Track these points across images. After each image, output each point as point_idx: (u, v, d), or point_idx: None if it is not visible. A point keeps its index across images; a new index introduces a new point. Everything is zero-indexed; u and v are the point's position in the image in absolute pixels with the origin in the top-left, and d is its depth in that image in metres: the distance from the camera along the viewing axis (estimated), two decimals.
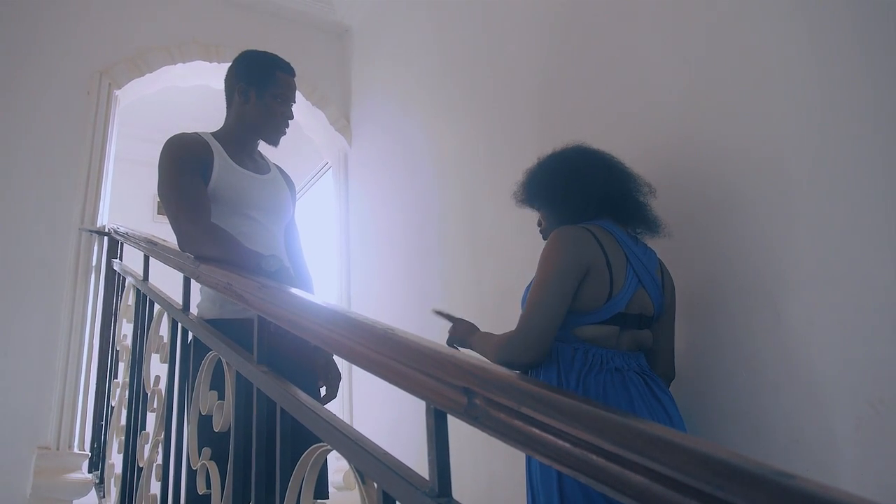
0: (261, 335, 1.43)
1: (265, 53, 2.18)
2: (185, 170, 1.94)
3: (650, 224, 1.90)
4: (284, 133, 2.16)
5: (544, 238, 1.98)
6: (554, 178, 1.93)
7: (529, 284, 1.89)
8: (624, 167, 1.93)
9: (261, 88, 2.09)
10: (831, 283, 1.60)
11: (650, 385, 1.70)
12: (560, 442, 0.64)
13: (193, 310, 1.95)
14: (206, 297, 2.00)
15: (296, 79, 2.19)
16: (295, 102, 2.17)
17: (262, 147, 2.22)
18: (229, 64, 4.20)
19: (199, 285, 1.89)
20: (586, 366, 1.68)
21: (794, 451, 1.63)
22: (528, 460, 1.72)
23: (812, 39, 1.72)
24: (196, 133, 2.07)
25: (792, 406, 1.66)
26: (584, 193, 1.86)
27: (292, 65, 2.18)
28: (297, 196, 2.41)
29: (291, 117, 2.15)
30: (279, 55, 2.17)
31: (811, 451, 1.60)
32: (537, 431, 0.66)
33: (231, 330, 1.66)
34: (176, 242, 1.97)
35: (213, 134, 2.10)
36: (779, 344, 1.70)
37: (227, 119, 2.17)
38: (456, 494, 0.81)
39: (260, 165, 2.17)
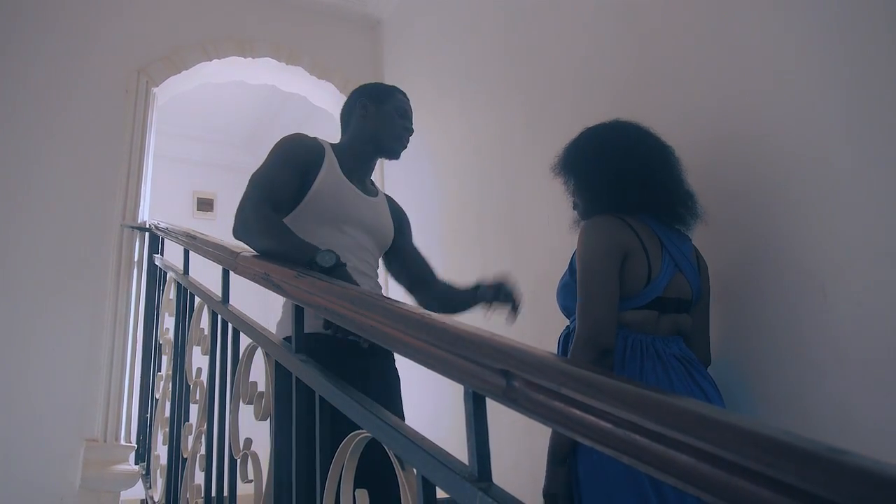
0: (298, 325, 1.44)
1: (381, 83, 2.25)
2: (282, 164, 1.89)
3: (688, 219, 1.85)
4: (405, 145, 2.13)
5: (580, 216, 1.96)
6: (595, 157, 1.88)
7: (562, 279, 1.87)
8: (670, 157, 1.87)
9: (381, 103, 2.10)
10: (880, 262, 1.55)
11: (690, 371, 1.68)
12: (602, 423, 0.62)
13: (274, 327, 1.85)
14: (288, 314, 1.83)
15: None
16: (413, 129, 2.15)
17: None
18: (263, 59, 4.28)
19: (281, 300, 1.78)
20: (626, 351, 1.66)
21: (844, 435, 1.59)
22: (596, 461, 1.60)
23: (851, 23, 1.67)
24: (315, 137, 2.03)
25: (841, 390, 1.61)
26: (622, 183, 1.81)
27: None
28: None
29: (412, 131, 2.14)
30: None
31: (862, 436, 1.55)
32: (578, 412, 0.65)
33: (314, 344, 1.53)
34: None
35: (332, 145, 2.06)
36: (826, 326, 1.66)
37: (343, 138, 2.14)
38: (497, 480, 0.80)
39: (368, 189, 2.11)
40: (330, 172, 1.95)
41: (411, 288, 2.24)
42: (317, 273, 1.48)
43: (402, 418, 1.93)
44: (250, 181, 1.85)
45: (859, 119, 1.63)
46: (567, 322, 1.86)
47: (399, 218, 2.23)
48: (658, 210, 1.82)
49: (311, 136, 2.02)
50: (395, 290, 2.14)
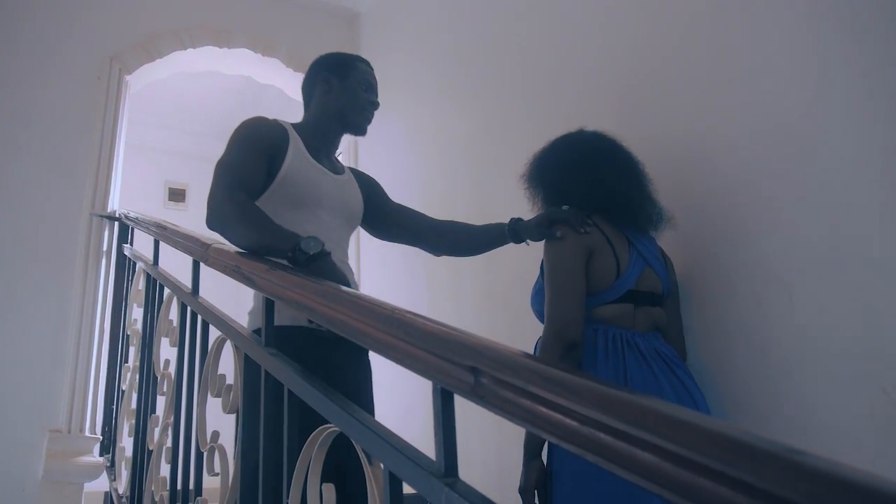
0: (269, 318, 1.43)
1: (343, 52, 2.13)
2: (248, 149, 1.81)
3: (652, 225, 1.90)
4: (370, 120, 2.03)
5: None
6: (566, 163, 1.92)
7: (536, 285, 1.90)
8: (632, 162, 1.92)
9: (344, 76, 2.00)
10: (845, 266, 1.58)
11: (673, 368, 1.71)
12: (568, 420, 0.63)
13: (245, 318, 1.83)
14: (260, 304, 1.71)
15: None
16: (378, 101, 2.05)
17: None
18: (239, 49, 4.23)
19: (252, 292, 1.74)
20: (607, 346, 1.69)
21: (806, 437, 1.62)
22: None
23: (817, 30, 1.70)
24: (276, 119, 1.95)
25: (804, 392, 1.64)
26: (593, 186, 1.87)
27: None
28: None
29: (377, 105, 2.04)
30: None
31: (823, 438, 1.58)
32: (545, 410, 0.66)
33: (286, 337, 1.51)
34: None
35: (293, 125, 1.98)
36: (791, 329, 1.69)
37: (306, 115, 2.05)
38: (465, 477, 0.81)
39: (336, 166, 2.04)
40: (296, 155, 1.88)
41: (417, 241, 2.20)
42: (285, 265, 1.47)
43: (372, 411, 1.91)
44: (217, 169, 1.77)
45: (826, 125, 1.66)
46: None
47: (368, 186, 2.16)
48: (625, 215, 1.86)
49: (272, 118, 1.95)
50: (368, 290, 2.13)
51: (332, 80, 2.00)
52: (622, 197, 1.85)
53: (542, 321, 1.89)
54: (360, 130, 2.03)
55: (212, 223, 1.69)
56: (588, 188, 1.86)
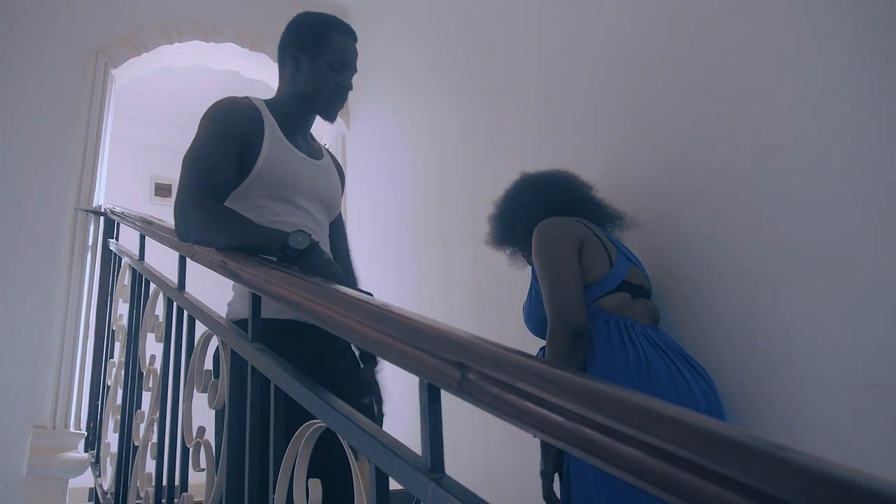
0: (255, 313, 1.43)
1: (321, 14, 1.90)
2: (219, 139, 1.68)
3: (613, 219, 2.01)
4: (341, 106, 1.86)
5: (528, 262, 2.03)
6: (515, 213, 2.02)
7: (527, 300, 1.91)
8: (568, 176, 2.04)
9: (314, 54, 1.80)
10: (830, 266, 1.59)
11: (699, 370, 1.72)
12: (554, 416, 0.63)
13: (224, 309, 1.76)
14: (240, 296, 1.70)
15: None
16: (356, 71, 1.87)
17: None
18: (226, 44, 4.21)
19: (231, 283, 1.65)
20: (623, 336, 1.68)
21: (791, 436, 1.62)
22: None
23: (809, 26, 1.71)
24: (247, 98, 1.80)
25: (788, 391, 1.65)
26: (565, 198, 1.97)
27: None
28: None
29: (350, 87, 1.84)
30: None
31: (808, 437, 1.59)
32: (531, 405, 0.66)
33: (273, 331, 1.45)
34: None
35: (266, 102, 1.82)
36: (776, 328, 1.70)
37: (279, 90, 1.89)
38: (451, 473, 0.81)
39: (314, 149, 1.90)
40: (273, 141, 1.74)
41: None
42: (275, 263, 1.46)
43: (379, 399, 1.81)
44: (184, 164, 1.65)
45: (810, 125, 1.67)
46: (541, 343, 1.88)
47: (341, 178, 2.02)
48: (597, 214, 1.98)
49: (243, 96, 1.81)
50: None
51: (300, 58, 1.82)
52: (588, 199, 1.99)
53: (537, 335, 1.89)
54: (328, 117, 1.87)
55: (183, 234, 1.61)
56: (560, 198, 1.95)
